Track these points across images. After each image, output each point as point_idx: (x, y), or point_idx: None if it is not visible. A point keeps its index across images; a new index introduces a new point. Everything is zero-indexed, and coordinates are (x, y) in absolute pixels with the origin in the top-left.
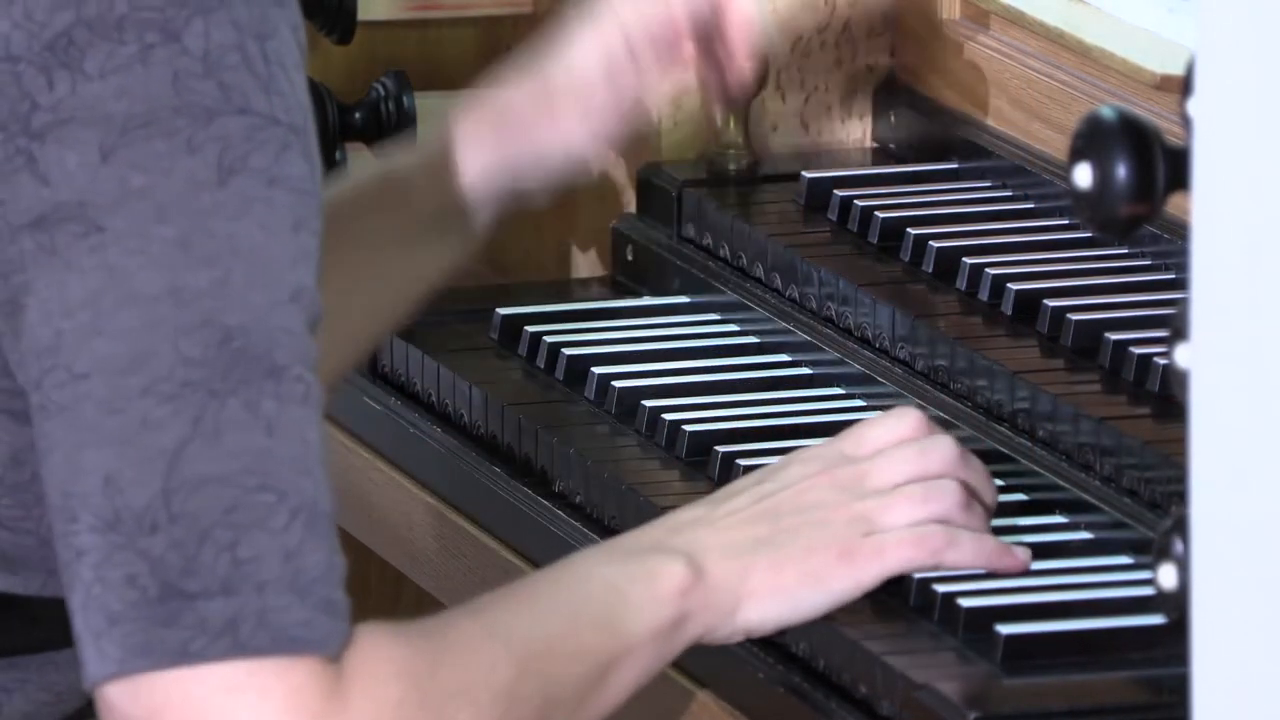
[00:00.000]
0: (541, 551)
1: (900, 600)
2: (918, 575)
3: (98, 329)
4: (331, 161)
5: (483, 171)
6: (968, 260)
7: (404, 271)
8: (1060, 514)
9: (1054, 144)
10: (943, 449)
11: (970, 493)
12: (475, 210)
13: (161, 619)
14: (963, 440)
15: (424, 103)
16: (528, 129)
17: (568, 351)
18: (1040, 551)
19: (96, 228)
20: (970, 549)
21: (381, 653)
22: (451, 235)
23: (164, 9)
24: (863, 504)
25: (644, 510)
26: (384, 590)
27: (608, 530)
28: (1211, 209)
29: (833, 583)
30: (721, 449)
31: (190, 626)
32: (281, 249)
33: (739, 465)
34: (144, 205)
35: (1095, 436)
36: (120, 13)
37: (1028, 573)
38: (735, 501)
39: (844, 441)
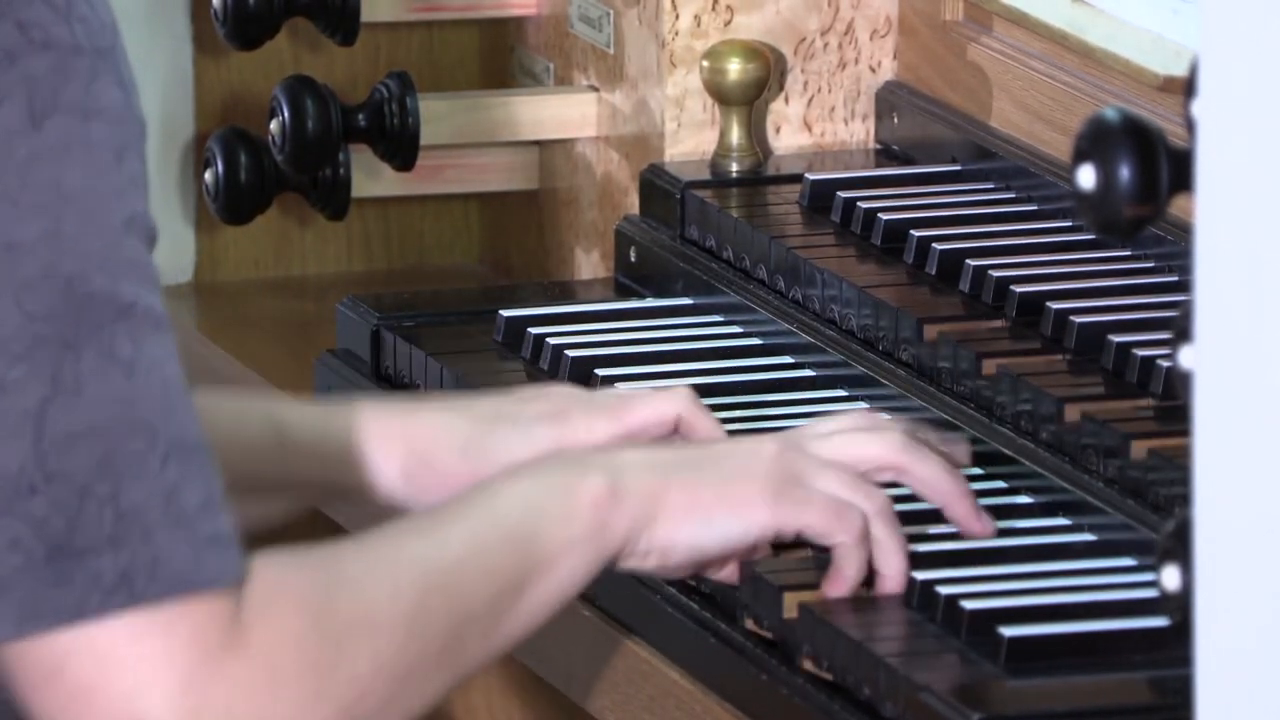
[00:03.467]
0: None
1: (904, 602)
2: (920, 577)
3: None
4: (336, 164)
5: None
6: (971, 262)
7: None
8: (1063, 516)
9: (1057, 145)
10: (889, 439)
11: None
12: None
13: (52, 580)
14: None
15: (427, 104)
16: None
17: (571, 353)
18: (1043, 553)
19: None
20: (887, 548)
21: (281, 585)
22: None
23: None
24: (796, 458)
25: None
26: None
27: None
28: (1215, 210)
29: (751, 514)
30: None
31: (83, 584)
32: (108, 184)
33: None
34: None
35: (1099, 438)
36: None
37: (1031, 575)
38: (667, 445)
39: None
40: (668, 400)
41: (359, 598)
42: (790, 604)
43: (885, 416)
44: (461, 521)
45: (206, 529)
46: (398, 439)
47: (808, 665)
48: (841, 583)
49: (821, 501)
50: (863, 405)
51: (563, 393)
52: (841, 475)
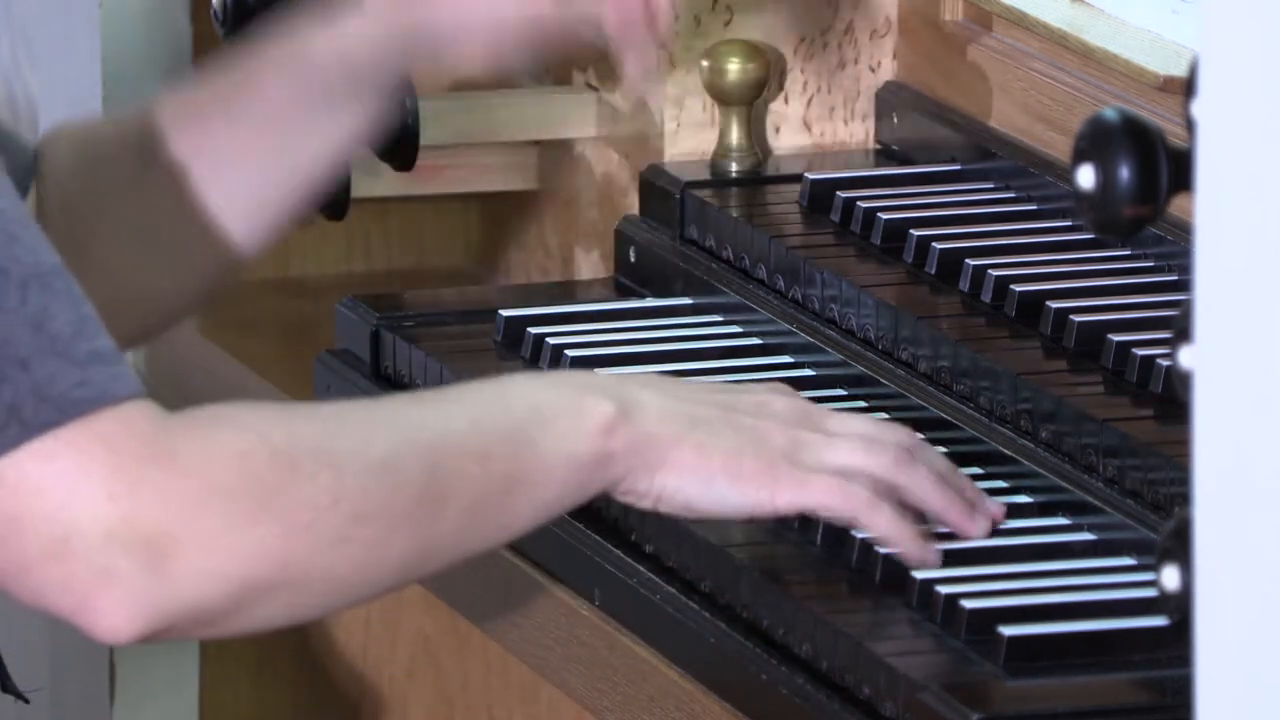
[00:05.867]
0: (546, 553)
1: (903, 601)
2: (920, 575)
3: None
4: None
5: (376, 39)
6: (971, 262)
7: (307, 139)
8: (1063, 515)
9: (1057, 145)
10: (902, 431)
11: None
12: (374, 76)
13: None
14: (966, 442)
15: (427, 104)
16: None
17: (571, 353)
18: (1043, 553)
19: None
20: (888, 521)
21: (223, 415)
22: (353, 103)
23: None
24: (808, 434)
25: (647, 510)
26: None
27: (615, 530)
28: (1215, 210)
29: (749, 489)
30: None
31: None
32: None
33: None
34: None
35: (1098, 438)
36: None
37: (1031, 574)
38: (695, 386)
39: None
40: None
41: (324, 435)
42: (791, 600)
43: (891, 426)
44: (466, 404)
45: (83, 348)
46: None
47: (807, 664)
48: (902, 544)
49: (822, 481)
50: (862, 405)
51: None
52: (849, 445)
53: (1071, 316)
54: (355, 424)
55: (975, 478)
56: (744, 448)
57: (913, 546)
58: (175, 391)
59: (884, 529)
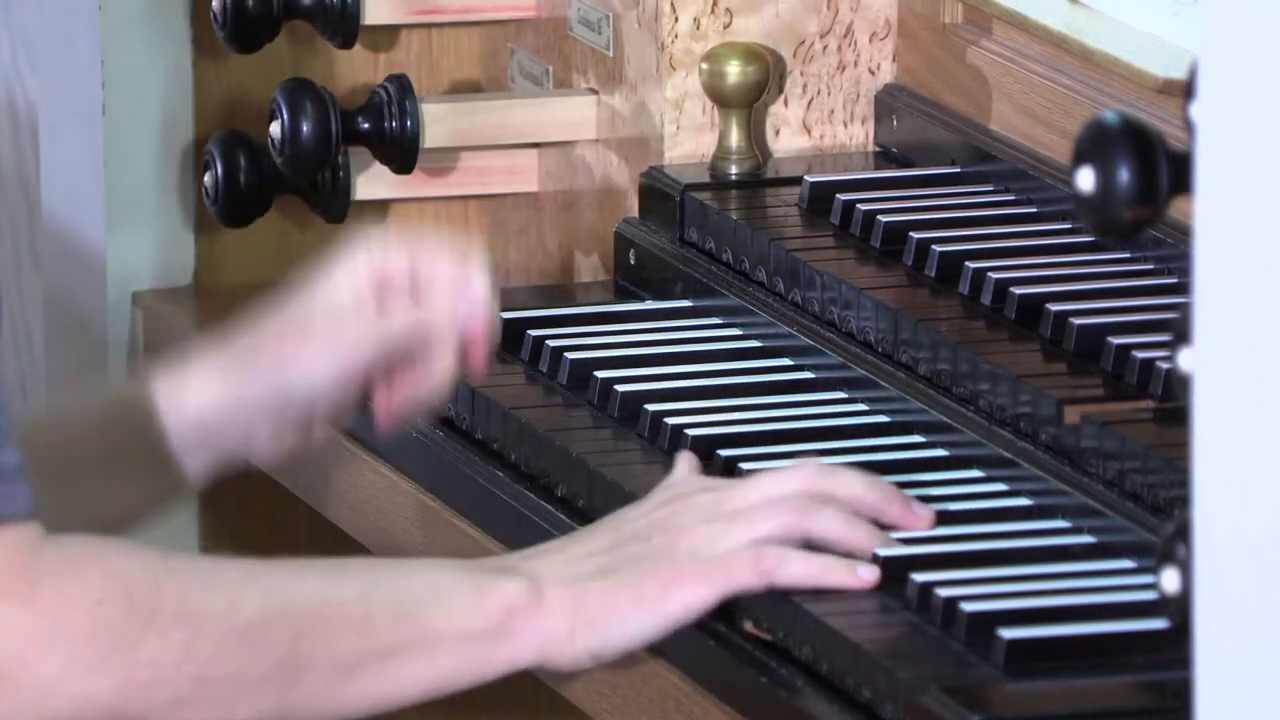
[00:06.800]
0: None
1: (903, 604)
2: (919, 579)
3: None
4: (335, 167)
5: (215, 401)
6: (970, 264)
7: (102, 498)
8: (1063, 518)
9: (1057, 148)
10: (805, 470)
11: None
12: (193, 450)
13: None
14: (965, 445)
15: (427, 107)
16: (271, 357)
17: (570, 355)
18: (1043, 555)
19: None
20: (799, 568)
21: (96, 554)
22: (160, 475)
23: None
24: (705, 528)
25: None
26: None
27: None
28: (1214, 213)
29: (663, 607)
30: (724, 453)
31: None
32: None
33: (741, 469)
34: None
35: (1098, 440)
36: None
37: (1030, 577)
38: (595, 532)
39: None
40: (788, 480)
41: (190, 595)
42: (790, 603)
43: (791, 472)
44: (362, 575)
45: None
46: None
47: (807, 667)
48: (826, 581)
49: (724, 564)
50: (862, 408)
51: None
52: (747, 521)
53: (1071, 319)
54: (232, 582)
55: (975, 480)
56: (642, 573)
57: (839, 577)
58: None
59: (800, 578)
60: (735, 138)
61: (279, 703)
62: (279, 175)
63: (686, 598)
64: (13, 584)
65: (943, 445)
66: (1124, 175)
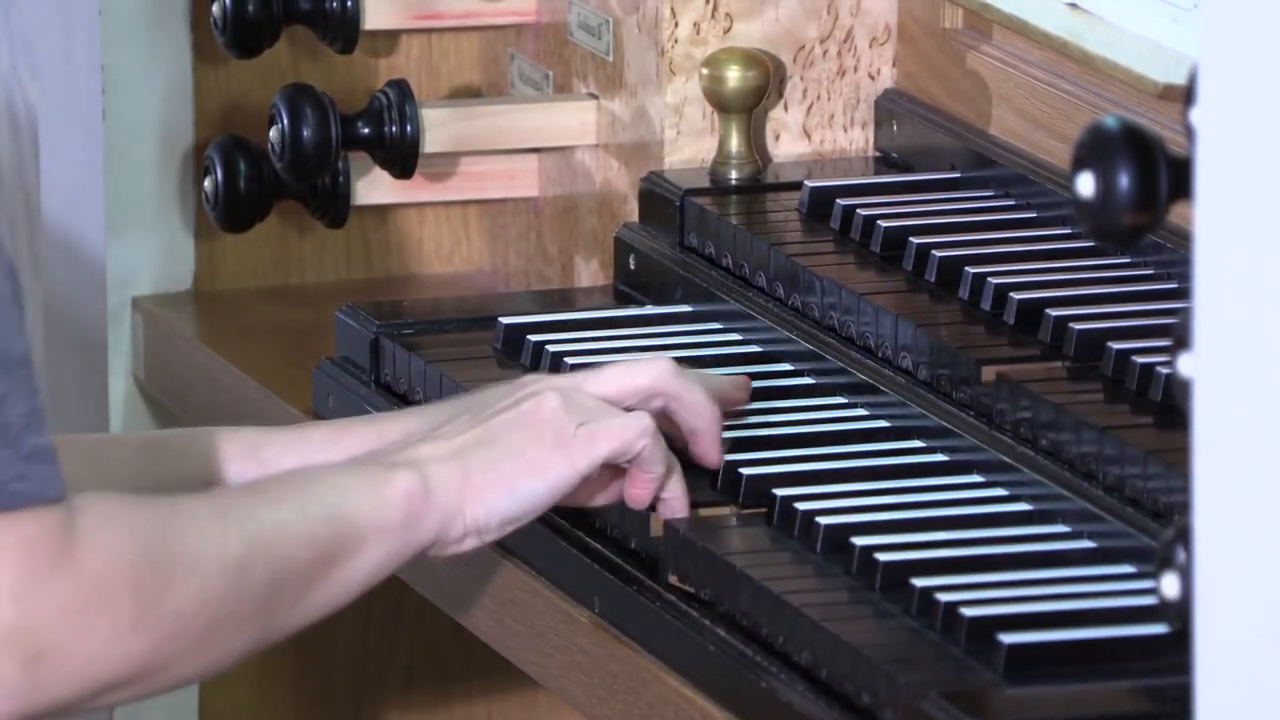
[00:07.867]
0: (545, 558)
1: (903, 609)
2: (919, 584)
3: None
4: (335, 172)
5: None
6: (970, 269)
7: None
8: (1063, 523)
9: (1056, 153)
10: (660, 368)
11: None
12: None
13: None
14: (965, 450)
15: (426, 112)
16: None
17: (570, 360)
18: (1043, 560)
19: None
20: (667, 453)
21: (115, 514)
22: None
23: None
24: (575, 403)
25: (648, 520)
26: (386, 598)
27: (611, 538)
28: (1214, 218)
29: (549, 471)
30: (724, 457)
31: None
32: None
33: (742, 474)
34: None
35: (1098, 446)
36: None
37: (1030, 582)
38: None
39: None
40: (642, 373)
41: (190, 539)
42: (790, 607)
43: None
44: (283, 493)
45: (29, 443)
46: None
47: (807, 672)
48: (651, 484)
49: (606, 429)
50: (862, 413)
51: (534, 378)
52: (614, 380)
53: (1071, 324)
54: (211, 520)
55: (975, 485)
56: (525, 442)
57: (677, 488)
58: (176, 400)
59: (665, 458)
60: (735, 143)
61: (264, 630)
62: (279, 180)
63: (573, 461)
64: (60, 558)
65: (943, 450)
66: (1124, 180)
